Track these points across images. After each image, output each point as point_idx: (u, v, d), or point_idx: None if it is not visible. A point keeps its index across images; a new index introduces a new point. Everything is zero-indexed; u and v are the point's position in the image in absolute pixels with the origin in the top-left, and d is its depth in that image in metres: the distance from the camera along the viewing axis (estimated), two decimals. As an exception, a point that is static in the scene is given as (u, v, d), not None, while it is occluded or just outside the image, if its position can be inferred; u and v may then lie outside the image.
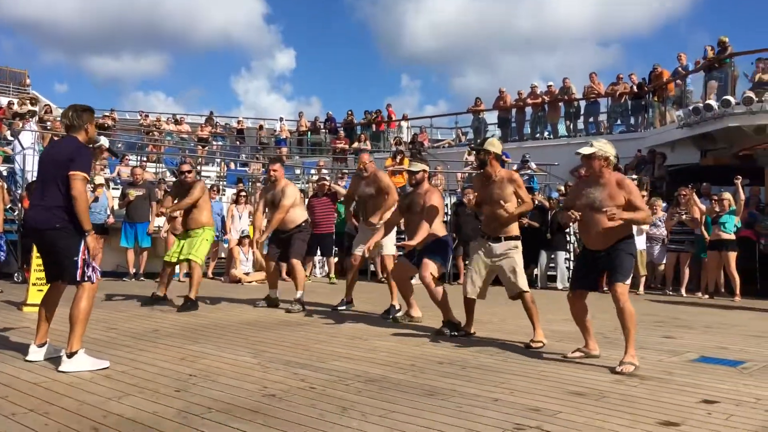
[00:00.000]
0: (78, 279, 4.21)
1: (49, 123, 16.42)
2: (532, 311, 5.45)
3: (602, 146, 4.75)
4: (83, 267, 4.22)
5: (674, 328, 6.69)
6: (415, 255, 6.17)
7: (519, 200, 5.54)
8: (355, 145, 19.68)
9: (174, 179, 15.52)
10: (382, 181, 7.19)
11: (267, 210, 7.72)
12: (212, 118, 23.72)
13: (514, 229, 5.60)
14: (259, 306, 7.55)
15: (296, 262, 7.53)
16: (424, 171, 6.32)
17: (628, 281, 4.70)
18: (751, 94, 12.88)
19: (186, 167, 7.93)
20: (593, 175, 4.77)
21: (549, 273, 11.74)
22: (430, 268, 5.99)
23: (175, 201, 7.64)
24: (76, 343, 4.12)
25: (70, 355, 4.09)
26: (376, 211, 7.16)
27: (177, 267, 8.62)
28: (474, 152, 5.80)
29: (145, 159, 16.24)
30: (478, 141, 5.99)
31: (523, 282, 5.50)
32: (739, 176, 10.40)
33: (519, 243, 5.60)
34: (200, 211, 7.48)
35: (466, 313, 5.87)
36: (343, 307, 7.46)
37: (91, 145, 4.63)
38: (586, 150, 4.74)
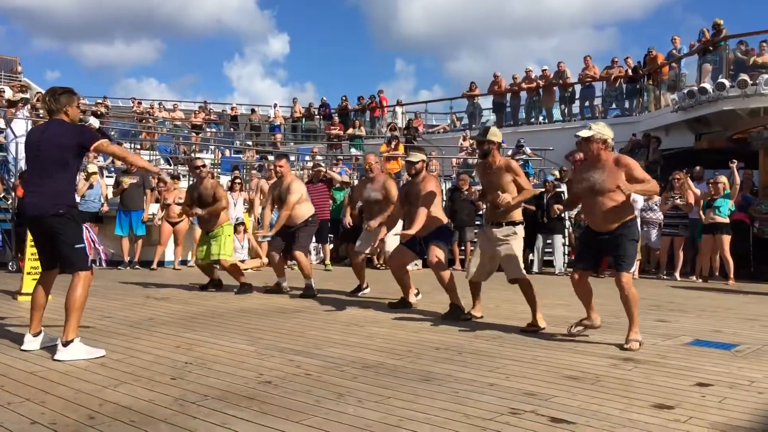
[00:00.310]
0: (87, 266, 4.19)
1: (41, 111, 16.30)
2: (529, 297, 5.48)
3: (600, 129, 4.80)
4: (88, 253, 4.20)
5: (668, 312, 6.72)
6: (417, 242, 6.20)
7: (520, 188, 5.52)
8: (350, 131, 19.60)
9: (167, 166, 15.52)
10: (389, 190, 7.13)
11: (276, 206, 7.84)
12: (206, 107, 23.60)
13: (516, 214, 5.59)
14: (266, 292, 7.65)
15: (299, 254, 7.56)
16: (423, 161, 6.33)
17: (633, 268, 4.91)
18: (746, 77, 12.86)
19: (199, 162, 8.21)
20: (591, 158, 4.80)
21: (546, 258, 11.75)
22: (437, 252, 6.09)
23: (193, 199, 7.90)
24: (71, 332, 4.10)
25: (65, 344, 4.07)
26: (381, 214, 7.16)
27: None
28: (476, 142, 5.83)
29: (138, 146, 16.16)
30: (479, 130, 5.99)
31: (519, 268, 5.51)
32: (734, 160, 10.42)
33: (519, 228, 5.58)
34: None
35: (471, 296, 5.97)
36: (366, 291, 7.72)
37: None
38: (584, 133, 4.79)
